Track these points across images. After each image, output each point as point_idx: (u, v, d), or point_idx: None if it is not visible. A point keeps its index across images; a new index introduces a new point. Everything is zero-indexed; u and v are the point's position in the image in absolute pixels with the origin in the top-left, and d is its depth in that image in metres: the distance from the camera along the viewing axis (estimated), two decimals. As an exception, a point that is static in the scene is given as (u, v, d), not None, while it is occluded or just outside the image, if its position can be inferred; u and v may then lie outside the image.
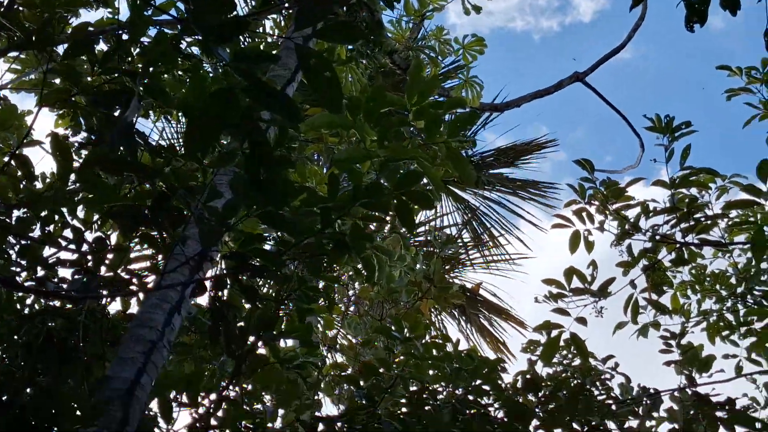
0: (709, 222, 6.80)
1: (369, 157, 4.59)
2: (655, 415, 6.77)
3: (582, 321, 6.80)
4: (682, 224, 6.81)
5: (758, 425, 6.11)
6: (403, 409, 6.43)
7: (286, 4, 8.36)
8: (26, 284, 4.86)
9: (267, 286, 8.83)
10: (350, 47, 9.58)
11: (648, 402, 6.77)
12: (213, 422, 5.77)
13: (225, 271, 4.51)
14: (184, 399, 5.68)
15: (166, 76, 4.88)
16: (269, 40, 8.84)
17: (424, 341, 6.87)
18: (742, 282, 8.01)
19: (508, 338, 15.38)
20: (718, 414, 6.38)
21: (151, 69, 4.17)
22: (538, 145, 15.90)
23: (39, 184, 5.05)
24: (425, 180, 4.64)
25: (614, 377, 6.93)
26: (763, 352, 7.36)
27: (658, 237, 6.95)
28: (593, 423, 6.41)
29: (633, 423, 6.71)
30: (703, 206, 6.81)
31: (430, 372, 6.56)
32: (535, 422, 6.45)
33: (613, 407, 6.67)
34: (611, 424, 6.57)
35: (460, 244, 15.35)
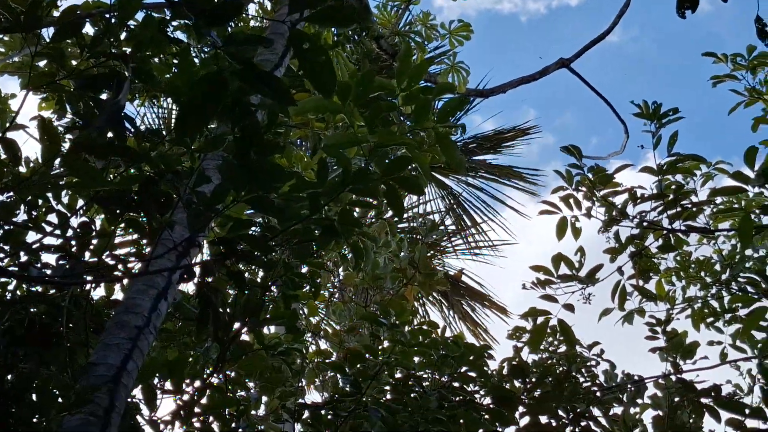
0: (695, 209, 6.80)
1: (359, 142, 4.56)
2: (639, 401, 6.80)
3: (570, 308, 6.80)
4: (669, 211, 6.80)
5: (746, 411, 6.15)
6: (389, 396, 6.42)
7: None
8: (9, 269, 4.79)
9: (250, 271, 8.78)
10: (336, 32, 9.53)
11: (632, 389, 6.80)
12: (197, 409, 5.74)
13: (213, 257, 4.45)
14: (168, 386, 5.65)
15: (156, 59, 4.81)
16: (257, 23, 8.78)
17: (409, 328, 6.85)
18: (727, 269, 8.02)
19: (490, 324, 15.42)
20: (704, 400, 6.41)
21: (139, 53, 4.12)
22: (522, 131, 15.91)
23: (23, 169, 4.99)
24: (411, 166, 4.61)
25: (599, 364, 6.95)
26: (748, 339, 7.37)
27: (645, 223, 6.94)
28: (578, 410, 6.43)
29: (618, 410, 6.74)
30: (689, 193, 6.81)
31: (416, 359, 6.55)
32: (521, 408, 6.47)
33: (598, 394, 6.69)
34: (596, 411, 6.59)
35: (442, 229, 15.32)
